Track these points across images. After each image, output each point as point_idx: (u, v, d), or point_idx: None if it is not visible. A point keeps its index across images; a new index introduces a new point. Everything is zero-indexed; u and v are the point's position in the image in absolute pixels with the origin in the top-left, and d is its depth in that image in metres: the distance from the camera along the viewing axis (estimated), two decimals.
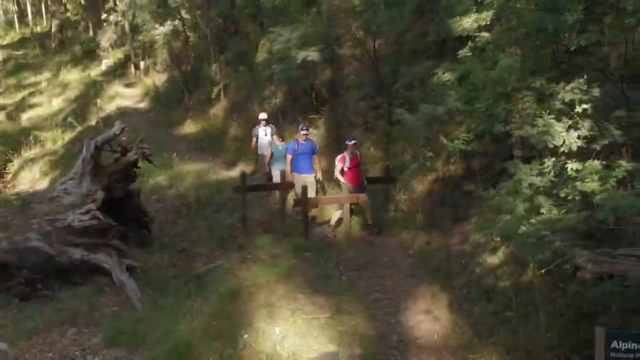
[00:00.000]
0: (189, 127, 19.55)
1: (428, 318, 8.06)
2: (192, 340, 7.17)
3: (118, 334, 7.75)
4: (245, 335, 7.09)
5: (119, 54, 31.46)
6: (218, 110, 19.31)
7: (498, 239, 6.13)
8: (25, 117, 23.65)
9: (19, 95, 27.26)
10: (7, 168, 17.46)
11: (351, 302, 8.23)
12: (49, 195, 10.49)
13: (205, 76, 20.79)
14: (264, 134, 12.91)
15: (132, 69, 28.32)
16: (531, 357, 6.85)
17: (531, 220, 5.84)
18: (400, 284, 9.10)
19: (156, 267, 9.45)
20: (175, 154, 14.64)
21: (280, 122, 15.24)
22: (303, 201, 10.37)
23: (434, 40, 12.37)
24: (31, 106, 25.30)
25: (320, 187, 12.37)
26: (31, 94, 27.18)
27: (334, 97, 14.33)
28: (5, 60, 35.01)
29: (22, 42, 40.02)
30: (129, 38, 29.15)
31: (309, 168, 11.48)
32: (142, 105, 23.55)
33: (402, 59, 13.99)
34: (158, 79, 25.11)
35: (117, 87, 25.29)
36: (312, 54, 12.85)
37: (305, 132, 11.57)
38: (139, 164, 10.49)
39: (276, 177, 11.91)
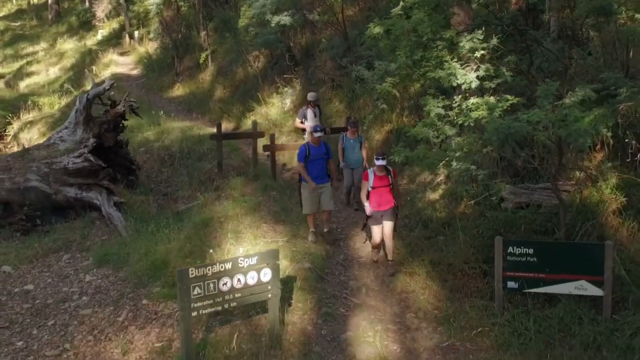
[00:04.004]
0: (178, 91, 20.61)
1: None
2: (168, 258, 8.46)
3: (105, 256, 9.04)
4: (211, 251, 8.34)
5: (114, 24, 32.36)
6: (206, 74, 20.34)
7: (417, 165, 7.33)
8: (24, 85, 24.53)
9: (16, 65, 28.11)
10: (6, 130, 18.38)
11: (307, 230, 9.48)
12: (46, 142, 11.59)
13: (194, 43, 21.80)
14: (313, 115, 11.66)
15: (127, 38, 29.26)
16: (451, 268, 8.22)
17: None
18: (352, 217, 10.35)
19: (141, 203, 10.64)
20: (162, 112, 15.72)
21: (261, 83, 16.33)
22: (271, 147, 11.51)
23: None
24: (29, 74, 26.14)
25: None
26: (29, 63, 28.00)
27: (308, 59, 15.41)
28: (2, 32, 35.77)
29: (19, 14, 40.76)
30: (124, 8, 30.10)
31: (323, 176, 9.35)
32: (135, 72, 24.53)
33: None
34: (151, 47, 26.07)
35: (111, 56, 26.11)
36: (285, 19, 13.89)
37: (319, 133, 9.34)
38: (127, 117, 11.64)
39: (347, 177, 10.68)
